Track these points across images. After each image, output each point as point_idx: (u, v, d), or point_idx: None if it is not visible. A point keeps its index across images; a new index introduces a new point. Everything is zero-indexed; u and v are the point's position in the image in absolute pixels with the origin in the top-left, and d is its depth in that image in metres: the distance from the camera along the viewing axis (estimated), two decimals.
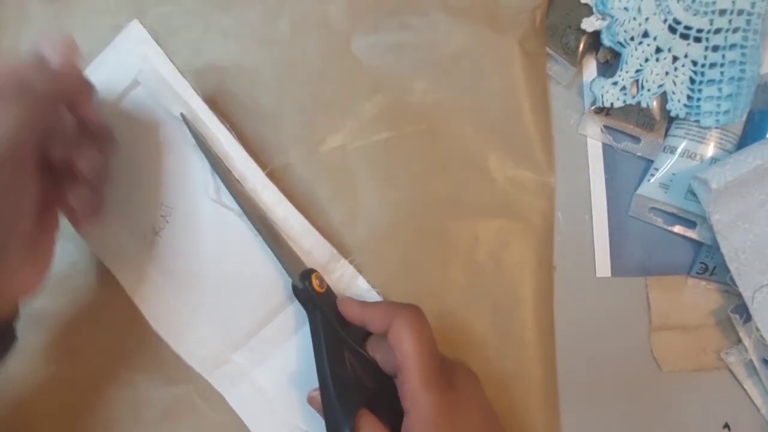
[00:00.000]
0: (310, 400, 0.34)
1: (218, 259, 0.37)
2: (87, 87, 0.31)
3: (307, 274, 0.34)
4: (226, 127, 0.35)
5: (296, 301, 0.36)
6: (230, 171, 0.35)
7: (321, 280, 0.34)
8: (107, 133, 0.33)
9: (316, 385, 0.32)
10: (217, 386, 0.38)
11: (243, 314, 0.37)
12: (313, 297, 0.33)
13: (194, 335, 0.38)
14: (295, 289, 0.34)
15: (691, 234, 0.42)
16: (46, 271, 0.31)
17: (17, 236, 0.27)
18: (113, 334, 0.39)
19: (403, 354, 0.30)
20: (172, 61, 0.33)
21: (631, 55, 0.40)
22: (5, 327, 0.29)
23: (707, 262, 0.42)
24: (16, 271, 0.28)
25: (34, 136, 0.27)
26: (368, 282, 0.38)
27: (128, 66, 0.35)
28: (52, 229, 0.32)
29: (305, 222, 0.37)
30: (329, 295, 0.35)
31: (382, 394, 0.32)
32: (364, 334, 0.35)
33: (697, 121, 0.40)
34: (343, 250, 0.39)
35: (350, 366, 0.32)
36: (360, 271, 0.39)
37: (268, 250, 0.35)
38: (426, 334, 0.31)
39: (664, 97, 0.41)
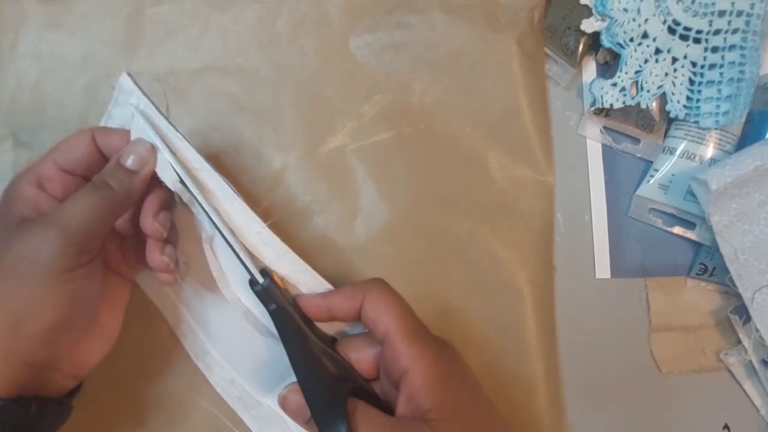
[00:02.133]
0: (283, 400, 0.31)
1: (242, 306, 0.36)
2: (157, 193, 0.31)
3: (267, 271, 0.32)
4: (225, 181, 0.32)
5: None
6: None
7: (282, 279, 0.33)
8: (170, 193, 0.32)
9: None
10: (251, 426, 0.38)
11: (271, 360, 0.35)
12: (276, 293, 0.31)
13: (226, 375, 0.37)
14: (253, 285, 0.31)
15: (691, 235, 0.42)
16: (111, 343, 0.31)
17: (80, 319, 0.28)
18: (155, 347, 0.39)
19: (386, 323, 0.29)
20: (162, 114, 0.32)
21: (631, 56, 0.40)
22: (67, 399, 0.29)
23: (707, 263, 0.42)
24: (80, 350, 0.29)
25: (103, 232, 0.29)
26: None
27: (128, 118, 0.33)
28: (121, 303, 0.32)
29: (316, 275, 0.34)
30: (288, 295, 0.32)
31: (361, 392, 0.31)
32: (330, 340, 0.33)
33: (696, 122, 0.40)
34: (343, 250, 0.39)
35: (327, 365, 0.30)
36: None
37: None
38: (401, 302, 0.31)
39: (663, 98, 0.41)
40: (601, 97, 0.41)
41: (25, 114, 0.39)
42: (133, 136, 0.31)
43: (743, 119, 0.40)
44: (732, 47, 0.39)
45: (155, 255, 0.30)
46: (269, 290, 0.31)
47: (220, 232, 0.31)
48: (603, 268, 0.42)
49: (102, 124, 0.35)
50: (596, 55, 0.43)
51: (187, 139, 0.32)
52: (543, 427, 0.39)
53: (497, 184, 0.41)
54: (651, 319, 0.42)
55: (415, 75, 0.41)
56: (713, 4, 0.38)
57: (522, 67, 0.41)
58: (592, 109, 0.42)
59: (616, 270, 0.42)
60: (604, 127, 0.42)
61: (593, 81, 0.41)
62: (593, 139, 0.43)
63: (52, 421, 0.28)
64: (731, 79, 0.39)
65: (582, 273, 0.42)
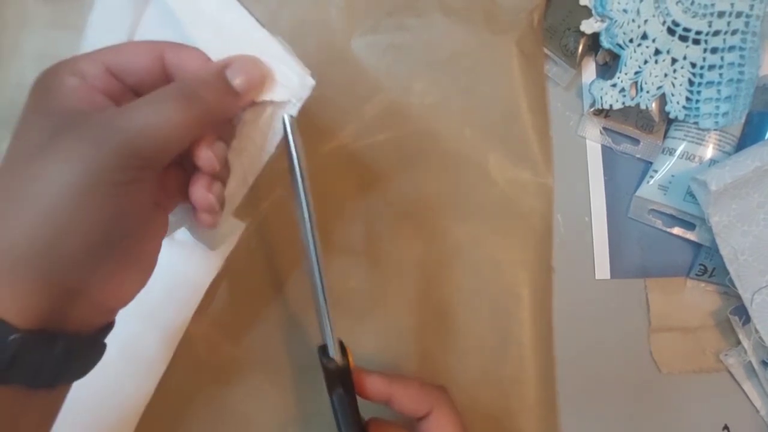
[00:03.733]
0: None
1: None
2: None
3: (344, 346, 0.30)
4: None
5: None
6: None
7: (351, 355, 0.31)
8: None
9: None
10: None
11: None
12: (348, 377, 0.30)
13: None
14: (325, 355, 0.30)
15: (691, 235, 0.42)
16: (147, 278, 0.26)
17: (122, 242, 0.23)
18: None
19: None
20: None
21: (630, 57, 0.40)
22: (98, 337, 0.25)
23: (706, 263, 0.42)
24: (116, 279, 0.24)
25: (175, 150, 0.24)
26: None
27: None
28: (160, 234, 0.26)
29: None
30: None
31: None
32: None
33: (696, 122, 0.40)
34: (343, 251, 0.39)
35: None
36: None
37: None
38: (462, 425, 0.31)
39: (663, 99, 0.41)
40: (601, 97, 0.41)
41: None
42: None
43: (743, 120, 0.40)
44: (731, 48, 0.39)
45: (200, 191, 0.25)
46: (343, 373, 0.30)
47: (318, 282, 0.28)
48: (603, 269, 0.42)
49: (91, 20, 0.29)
50: (596, 55, 0.43)
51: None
52: (536, 429, 0.39)
53: (497, 185, 0.41)
54: (651, 319, 0.42)
55: (415, 76, 0.41)
56: (713, 5, 0.38)
57: (521, 68, 0.41)
58: (592, 109, 0.42)
59: (616, 271, 0.42)
60: (604, 128, 0.43)
61: (593, 82, 0.42)
62: (593, 139, 0.43)
63: (83, 362, 0.24)
64: (731, 80, 0.39)
65: (582, 274, 0.42)
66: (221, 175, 0.27)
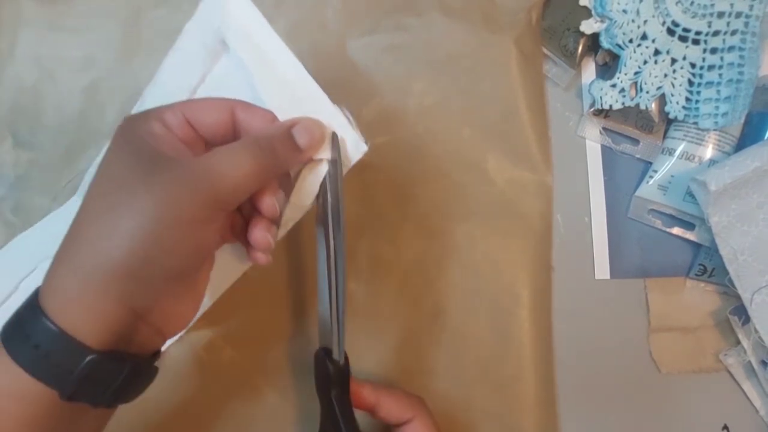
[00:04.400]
0: None
1: None
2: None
3: (344, 352, 0.32)
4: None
5: None
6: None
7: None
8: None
9: None
10: None
11: None
12: (343, 376, 0.32)
13: None
14: (329, 357, 0.31)
15: (690, 236, 0.42)
16: (199, 307, 0.28)
17: (190, 274, 0.26)
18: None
19: None
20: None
21: (630, 57, 0.40)
22: (153, 362, 0.27)
23: (706, 263, 0.42)
24: (175, 307, 0.26)
25: (247, 194, 0.26)
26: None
27: (215, 26, 0.29)
28: (209, 267, 0.29)
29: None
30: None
31: None
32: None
33: (695, 123, 0.40)
34: None
35: None
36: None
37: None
38: (439, 430, 0.34)
39: (662, 99, 0.41)
40: (601, 98, 0.41)
41: (25, 115, 0.39)
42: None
43: (742, 120, 0.40)
44: (731, 48, 0.39)
45: (260, 233, 0.28)
46: (342, 376, 0.32)
47: (331, 270, 0.30)
48: (602, 269, 0.42)
49: (176, 50, 0.32)
50: (595, 56, 0.43)
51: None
52: (535, 429, 0.40)
53: (496, 185, 0.41)
54: (650, 319, 0.42)
55: (414, 77, 0.41)
56: (712, 5, 0.38)
57: (520, 68, 0.41)
58: (592, 110, 0.42)
59: (616, 271, 0.42)
60: (604, 128, 0.42)
61: (592, 82, 0.41)
62: (592, 140, 0.43)
63: (141, 384, 0.26)
64: (730, 81, 0.39)
65: (581, 274, 0.42)
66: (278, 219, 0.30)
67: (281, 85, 0.29)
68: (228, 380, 0.38)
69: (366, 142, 0.30)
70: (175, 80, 0.31)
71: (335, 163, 0.29)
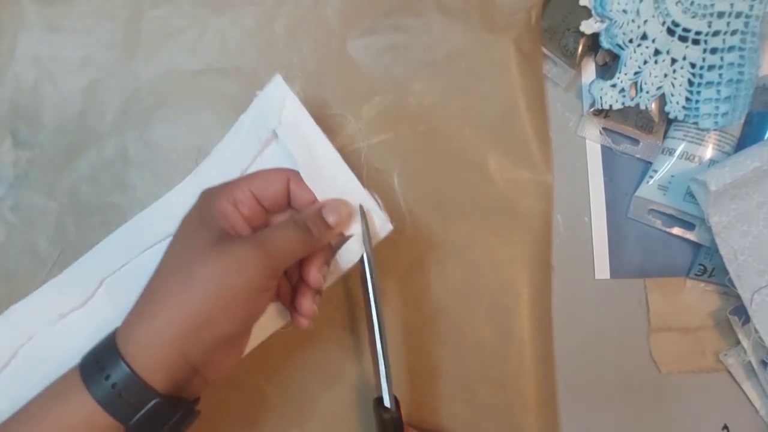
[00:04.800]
0: None
1: None
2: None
3: (396, 400, 0.35)
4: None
5: None
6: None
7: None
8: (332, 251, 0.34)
9: None
10: None
11: None
12: (399, 425, 0.34)
13: None
14: (381, 407, 0.34)
15: (690, 236, 0.42)
16: (240, 358, 0.32)
17: (247, 333, 0.31)
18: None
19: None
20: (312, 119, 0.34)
21: (630, 57, 0.40)
22: (196, 404, 0.30)
23: (706, 263, 0.42)
24: (224, 360, 0.30)
25: (291, 264, 0.31)
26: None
27: (268, 119, 0.35)
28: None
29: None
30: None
31: None
32: None
33: (695, 123, 0.40)
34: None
35: None
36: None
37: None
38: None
39: (662, 99, 0.41)
40: (601, 98, 0.41)
41: (25, 115, 0.39)
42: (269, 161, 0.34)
43: (742, 120, 0.40)
44: (731, 48, 0.39)
45: (308, 303, 0.32)
46: (396, 421, 0.34)
47: (377, 336, 0.34)
48: (602, 269, 0.43)
49: (232, 133, 0.36)
50: (595, 56, 0.43)
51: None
52: (536, 427, 0.40)
53: (496, 185, 0.41)
54: (650, 319, 0.42)
55: (413, 77, 0.41)
56: (712, 5, 0.38)
57: (519, 67, 0.41)
58: (592, 110, 0.42)
59: (616, 271, 0.42)
60: (604, 128, 0.42)
61: (592, 82, 0.41)
62: (592, 140, 0.43)
63: (188, 423, 0.29)
64: (730, 81, 0.39)
65: (581, 274, 0.42)
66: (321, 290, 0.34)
67: (321, 171, 0.33)
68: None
69: (391, 223, 0.34)
70: (230, 163, 0.36)
71: (364, 235, 0.33)
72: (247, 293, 0.28)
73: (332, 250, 0.34)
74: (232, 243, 0.28)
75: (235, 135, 0.36)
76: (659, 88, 0.40)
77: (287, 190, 0.33)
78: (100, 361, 0.27)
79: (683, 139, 0.41)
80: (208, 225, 0.30)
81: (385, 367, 0.34)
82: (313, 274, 0.32)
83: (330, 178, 0.34)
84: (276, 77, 0.34)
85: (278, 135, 0.34)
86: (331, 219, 0.32)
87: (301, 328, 0.33)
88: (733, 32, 0.38)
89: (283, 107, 0.34)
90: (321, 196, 0.33)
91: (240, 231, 0.30)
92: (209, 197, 0.31)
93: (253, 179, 0.32)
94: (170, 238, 0.31)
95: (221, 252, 0.28)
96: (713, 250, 0.40)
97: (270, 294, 0.30)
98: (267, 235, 0.30)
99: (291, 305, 0.33)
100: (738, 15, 0.38)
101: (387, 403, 0.34)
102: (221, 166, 0.36)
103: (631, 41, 0.40)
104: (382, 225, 0.34)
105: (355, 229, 0.34)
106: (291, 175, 0.33)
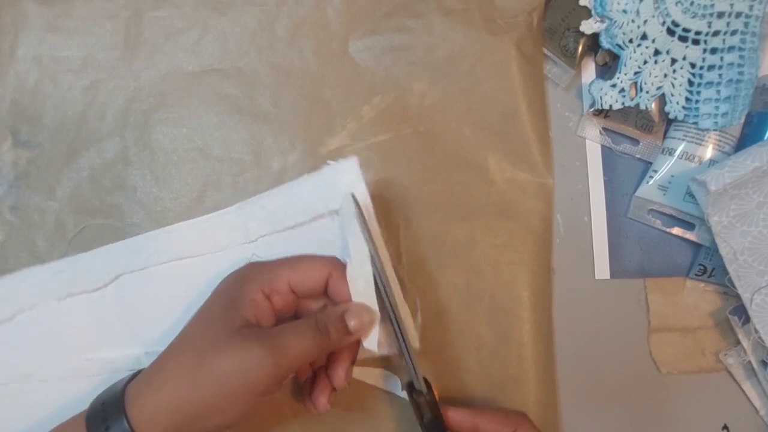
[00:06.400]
0: None
1: None
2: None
3: (428, 382, 0.35)
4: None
5: None
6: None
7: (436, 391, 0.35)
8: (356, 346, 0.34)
9: None
10: None
11: None
12: (435, 405, 0.34)
13: None
14: (413, 391, 0.35)
15: (690, 236, 0.42)
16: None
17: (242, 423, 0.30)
18: None
19: None
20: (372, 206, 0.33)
21: (630, 57, 0.40)
22: None
23: (706, 263, 0.42)
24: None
25: (302, 366, 0.32)
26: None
27: (332, 194, 0.34)
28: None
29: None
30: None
31: None
32: None
33: (695, 123, 0.40)
34: None
35: None
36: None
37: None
38: None
39: (662, 100, 0.41)
40: (601, 98, 0.41)
41: (25, 115, 0.39)
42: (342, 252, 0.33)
43: (742, 120, 0.40)
44: (731, 48, 0.39)
45: (324, 399, 0.33)
46: (430, 402, 0.34)
47: (397, 326, 0.33)
48: (602, 269, 0.43)
49: (301, 181, 0.36)
50: (595, 56, 0.43)
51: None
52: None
53: (496, 186, 0.41)
54: (650, 319, 0.42)
55: (414, 77, 0.41)
56: (712, 5, 0.38)
57: (520, 69, 0.41)
58: (592, 110, 0.42)
59: (616, 271, 0.42)
60: (604, 128, 0.43)
61: (592, 82, 0.42)
62: (592, 140, 0.43)
63: None
64: (730, 81, 0.39)
65: (581, 274, 0.42)
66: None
67: (364, 273, 0.32)
68: None
69: (419, 341, 0.35)
70: (280, 212, 0.36)
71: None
72: (249, 396, 0.28)
73: (359, 349, 0.33)
74: (246, 340, 0.29)
75: (294, 189, 0.36)
76: (659, 88, 0.40)
77: (326, 282, 0.32)
78: (105, 413, 0.28)
79: (683, 139, 0.41)
80: (235, 309, 0.30)
81: (408, 351, 0.33)
82: (338, 374, 0.32)
83: (369, 283, 0.33)
84: (351, 160, 0.33)
85: (338, 216, 0.34)
86: (352, 324, 0.31)
87: (310, 411, 0.33)
88: (733, 32, 0.38)
89: (350, 192, 0.33)
90: (356, 296, 0.32)
91: (264, 323, 0.31)
92: (246, 278, 0.32)
93: (294, 268, 0.32)
94: (194, 259, 0.31)
95: (234, 348, 0.28)
96: (713, 250, 0.40)
97: (276, 396, 0.30)
98: (282, 338, 0.29)
99: (307, 388, 0.34)
100: (738, 15, 0.38)
101: (417, 386, 0.34)
102: (270, 211, 0.36)
103: (631, 41, 0.40)
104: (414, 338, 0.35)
105: (372, 343, 0.33)
106: (333, 270, 0.32)
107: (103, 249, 0.36)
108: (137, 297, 0.31)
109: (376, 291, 0.32)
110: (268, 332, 0.30)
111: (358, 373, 0.38)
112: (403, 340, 0.33)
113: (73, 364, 0.35)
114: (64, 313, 0.35)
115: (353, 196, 0.33)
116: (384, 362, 0.39)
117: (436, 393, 0.35)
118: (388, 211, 0.40)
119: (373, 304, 0.32)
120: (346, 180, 0.33)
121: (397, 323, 0.33)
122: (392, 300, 0.33)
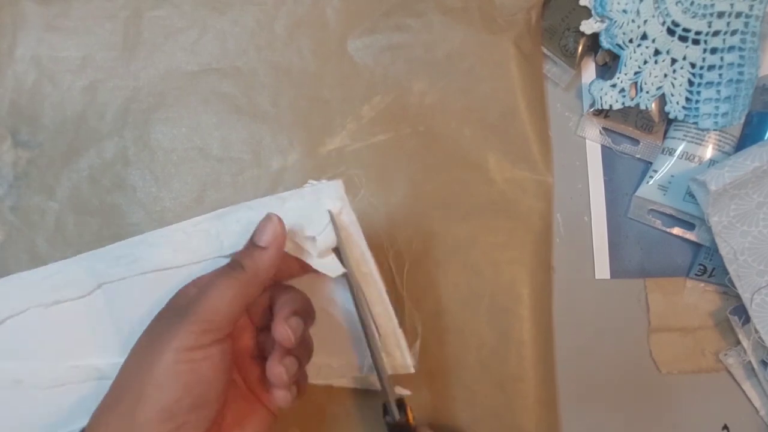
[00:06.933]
0: None
1: None
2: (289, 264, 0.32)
3: (403, 403, 0.33)
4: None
5: None
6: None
7: (413, 413, 0.34)
8: (308, 305, 0.31)
9: None
10: None
11: None
12: (406, 430, 0.33)
13: None
14: (386, 415, 0.33)
15: (690, 236, 0.42)
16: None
17: (203, 408, 0.27)
18: None
19: None
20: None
21: (630, 57, 0.40)
22: None
23: (706, 263, 0.42)
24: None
25: (232, 313, 0.27)
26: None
27: (313, 219, 0.32)
28: (253, 428, 0.30)
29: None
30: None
31: None
32: None
33: (695, 123, 0.40)
34: None
35: None
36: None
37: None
38: None
39: (662, 99, 0.41)
40: (601, 98, 0.41)
41: (25, 115, 0.39)
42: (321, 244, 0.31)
43: (742, 120, 0.40)
44: (731, 48, 0.39)
45: (274, 364, 0.29)
46: (403, 426, 0.33)
47: (372, 348, 0.32)
48: (602, 269, 0.42)
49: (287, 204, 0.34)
50: (595, 56, 0.43)
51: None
52: (536, 429, 0.40)
53: (496, 185, 0.41)
54: (650, 319, 0.42)
55: (414, 77, 0.41)
56: (712, 5, 0.38)
57: (519, 68, 0.41)
58: (592, 110, 0.42)
59: (616, 271, 0.42)
60: (604, 128, 0.42)
61: (592, 82, 0.41)
62: (592, 140, 0.43)
63: None
64: (730, 81, 0.39)
65: (581, 274, 0.42)
66: (299, 354, 0.30)
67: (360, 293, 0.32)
68: None
69: (414, 366, 0.33)
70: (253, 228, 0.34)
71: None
72: (176, 356, 0.25)
73: (303, 301, 0.31)
74: (172, 325, 0.26)
75: (273, 206, 0.33)
76: (659, 88, 0.40)
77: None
78: None
79: (683, 139, 0.41)
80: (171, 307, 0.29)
81: (381, 378, 0.32)
82: (277, 326, 0.29)
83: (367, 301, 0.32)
84: (336, 184, 0.31)
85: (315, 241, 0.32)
86: (263, 240, 0.29)
87: (278, 404, 0.30)
88: (733, 32, 0.38)
89: (334, 222, 0.31)
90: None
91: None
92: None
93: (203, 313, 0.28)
94: (177, 270, 0.30)
95: (164, 328, 0.26)
96: (713, 250, 0.40)
97: (213, 351, 0.27)
98: (200, 296, 0.27)
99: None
100: (738, 15, 0.38)
101: (390, 410, 0.33)
102: (243, 225, 0.34)
103: (631, 41, 0.40)
104: (403, 365, 0.33)
105: (323, 240, 0.30)
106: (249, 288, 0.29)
107: (85, 256, 0.36)
108: (122, 305, 0.30)
109: (357, 313, 0.31)
110: (190, 301, 0.27)
111: (354, 381, 0.38)
112: (380, 366, 0.32)
113: (60, 371, 0.34)
114: (52, 320, 0.35)
115: (330, 214, 0.31)
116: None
117: (410, 415, 0.33)
118: (387, 212, 0.40)
119: (379, 320, 0.32)
120: (330, 206, 0.31)
121: (371, 346, 0.32)
122: (367, 323, 0.31)
